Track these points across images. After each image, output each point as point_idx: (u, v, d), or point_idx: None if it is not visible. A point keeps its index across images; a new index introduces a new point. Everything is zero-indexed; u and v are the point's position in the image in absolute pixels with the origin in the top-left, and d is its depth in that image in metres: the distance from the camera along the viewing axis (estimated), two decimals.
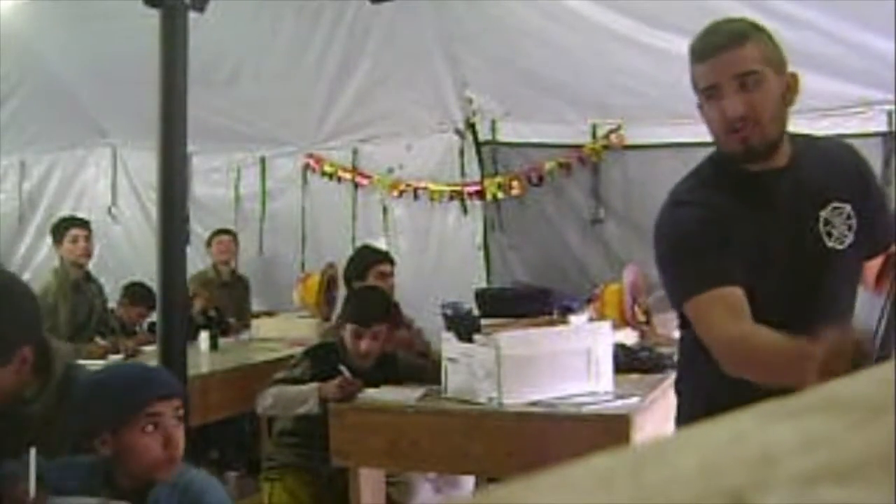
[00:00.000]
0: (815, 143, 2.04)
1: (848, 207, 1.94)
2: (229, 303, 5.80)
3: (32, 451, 1.98)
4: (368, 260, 4.47)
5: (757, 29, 1.87)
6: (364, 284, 4.22)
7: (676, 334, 4.27)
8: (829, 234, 1.93)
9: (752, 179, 1.91)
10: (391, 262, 4.55)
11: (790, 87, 1.88)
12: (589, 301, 4.38)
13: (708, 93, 1.87)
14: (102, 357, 4.40)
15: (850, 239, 1.94)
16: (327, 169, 6.02)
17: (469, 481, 3.73)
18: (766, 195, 1.92)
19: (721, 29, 1.88)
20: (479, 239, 5.67)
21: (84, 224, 5.11)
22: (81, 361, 4.11)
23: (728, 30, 1.87)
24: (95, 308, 5.07)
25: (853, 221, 1.94)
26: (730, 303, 1.81)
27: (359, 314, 3.51)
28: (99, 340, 4.84)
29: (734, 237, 1.88)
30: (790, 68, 1.89)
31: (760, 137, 1.84)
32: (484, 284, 5.40)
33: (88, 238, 5.04)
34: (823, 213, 1.93)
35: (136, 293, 5.23)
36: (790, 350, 1.66)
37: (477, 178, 5.61)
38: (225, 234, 6.04)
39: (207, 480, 2.12)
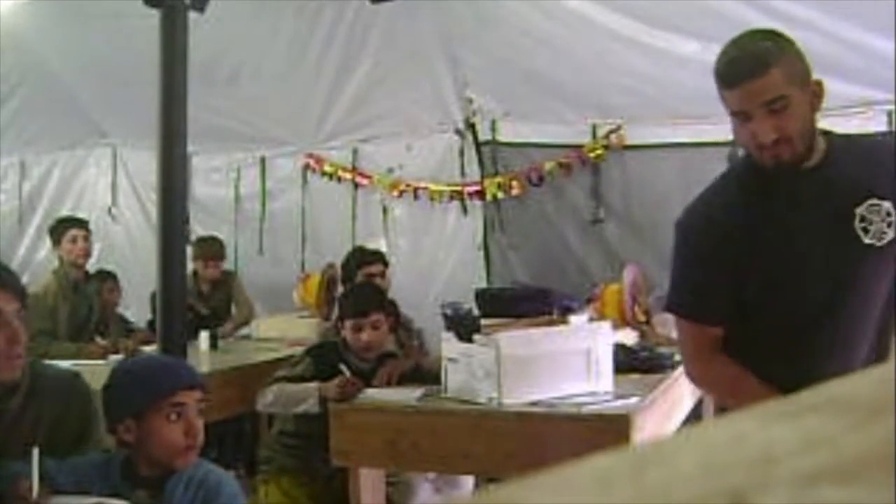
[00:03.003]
0: (856, 141, 2.09)
1: (887, 204, 1.94)
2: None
3: (35, 451, 2.00)
4: (357, 261, 4.57)
5: (780, 47, 1.88)
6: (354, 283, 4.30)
7: (676, 334, 4.27)
8: (866, 231, 1.94)
9: (782, 179, 1.94)
10: (384, 262, 4.60)
11: (816, 94, 1.91)
12: (589, 301, 4.37)
13: (738, 116, 1.90)
14: (102, 357, 4.41)
15: (890, 235, 1.94)
16: (327, 169, 6.02)
17: (469, 481, 3.73)
18: (794, 194, 1.95)
19: (745, 53, 1.88)
20: (479, 239, 5.67)
21: (83, 224, 5.12)
22: (81, 361, 4.16)
23: (753, 54, 1.86)
24: (95, 308, 5.07)
25: (893, 218, 1.94)
26: (707, 342, 2.05)
27: (355, 307, 3.54)
28: (99, 340, 4.84)
29: (757, 238, 1.94)
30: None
31: (791, 153, 1.89)
32: (484, 284, 5.40)
33: (87, 238, 5.04)
34: (860, 210, 1.94)
35: (97, 275, 5.39)
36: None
37: (477, 178, 5.61)
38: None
39: (223, 474, 2.17)
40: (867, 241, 1.94)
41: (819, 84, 1.92)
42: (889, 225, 1.94)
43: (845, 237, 1.94)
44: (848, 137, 2.04)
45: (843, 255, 1.95)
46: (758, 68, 1.84)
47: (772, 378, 1.91)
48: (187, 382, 2.15)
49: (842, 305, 1.97)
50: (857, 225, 1.93)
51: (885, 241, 1.94)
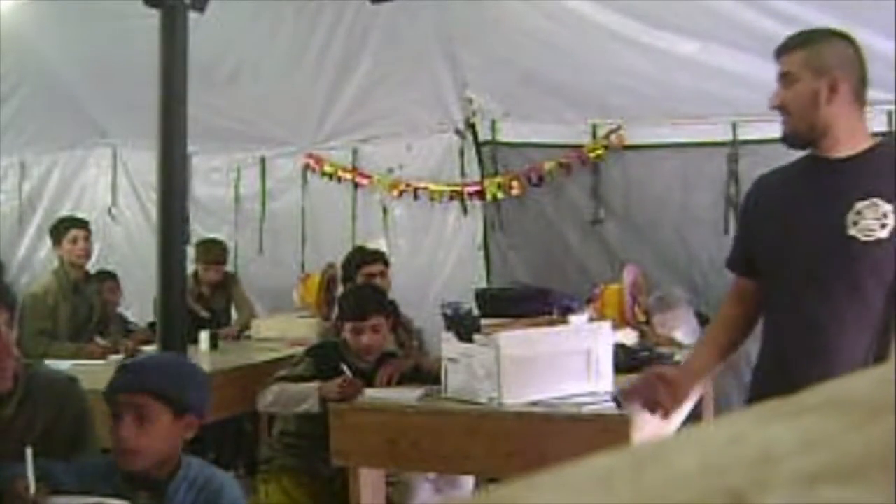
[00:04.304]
0: None
1: (888, 206, 2.06)
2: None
3: (29, 451, 2.00)
4: (357, 261, 4.57)
5: (816, 39, 2.22)
6: (354, 284, 4.30)
7: (676, 334, 4.27)
8: (855, 224, 2.07)
9: (811, 163, 2.21)
10: (384, 262, 4.60)
11: (831, 88, 2.13)
12: (589, 301, 4.37)
13: None
14: (102, 357, 4.41)
15: (878, 234, 2.06)
16: (327, 169, 6.02)
17: (469, 481, 3.73)
18: (814, 177, 2.19)
19: (788, 39, 2.24)
20: (479, 239, 5.66)
21: (83, 224, 5.12)
22: (81, 361, 4.16)
23: (791, 39, 2.24)
24: (95, 308, 5.07)
25: (889, 220, 2.05)
26: (737, 289, 2.41)
27: (354, 310, 3.54)
28: (99, 340, 4.84)
29: (773, 210, 2.25)
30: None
31: (790, 128, 2.19)
32: (484, 284, 5.40)
33: (88, 238, 5.04)
34: (859, 205, 2.08)
35: (97, 275, 5.39)
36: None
37: (477, 178, 5.60)
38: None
39: (225, 477, 2.18)
40: (850, 232, 2.07)
41: (834, 79, 2.13)
42: (883, 226, 2.06)
43: (833, 226, 2.09)
44: None
45: (826, 241, 2.11)
46: (786, 49, 2.21)
47: (772, 344, 2.24)
48: None
49: (825, 289, 2.12)
50: (850, 217, 2.08)
51: (871, 238, 2.06)
